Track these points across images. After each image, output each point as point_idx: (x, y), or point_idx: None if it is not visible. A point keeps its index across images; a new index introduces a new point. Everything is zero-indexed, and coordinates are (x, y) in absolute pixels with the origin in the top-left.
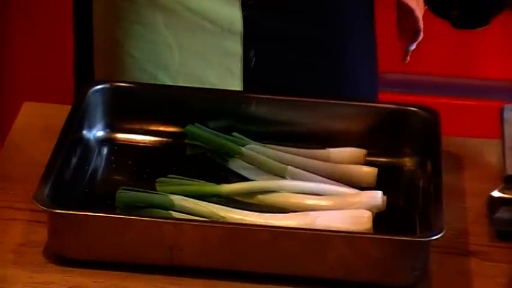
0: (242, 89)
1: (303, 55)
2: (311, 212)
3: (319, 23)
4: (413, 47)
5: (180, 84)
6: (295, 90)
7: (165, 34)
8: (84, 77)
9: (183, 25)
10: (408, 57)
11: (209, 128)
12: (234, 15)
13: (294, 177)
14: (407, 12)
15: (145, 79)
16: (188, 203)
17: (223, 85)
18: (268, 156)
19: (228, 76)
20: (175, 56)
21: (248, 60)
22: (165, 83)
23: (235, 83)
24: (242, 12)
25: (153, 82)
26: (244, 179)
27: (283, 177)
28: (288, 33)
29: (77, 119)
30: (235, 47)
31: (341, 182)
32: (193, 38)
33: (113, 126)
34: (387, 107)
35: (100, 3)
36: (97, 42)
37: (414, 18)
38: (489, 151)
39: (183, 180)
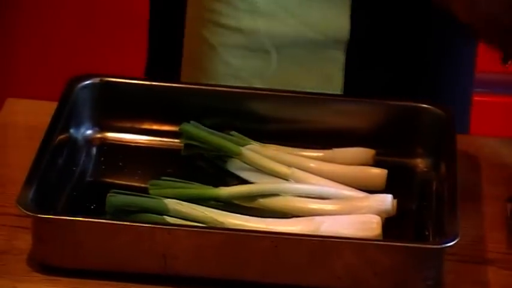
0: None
1: (403, 65)
2: (316, 217)
3: (423, 33)
4: None
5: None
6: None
7: (264, 41)
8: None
9: (284, 32)
10: (510, 62)
11: (206, 127)
12: (342, 23)
13: (297, 180)
14: None
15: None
16: (183, 208)
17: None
18: (270, 157)
19: (327, 85)
20: (273, 64)
21: (349, 69)
22: None
23: (334, 91)
24: (350, 20)
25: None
26: (244, 182)
27: (285, 179)
28: (392, 42)
29: (64, 117)
30: (338, 54)
31: (348, 185)
32: (294, 45)
33: (102, 124)
34: (397, 104)
35: (194, 7)
36: (187, 43)
37: None
38: (508, 151)
39: (178, 183)
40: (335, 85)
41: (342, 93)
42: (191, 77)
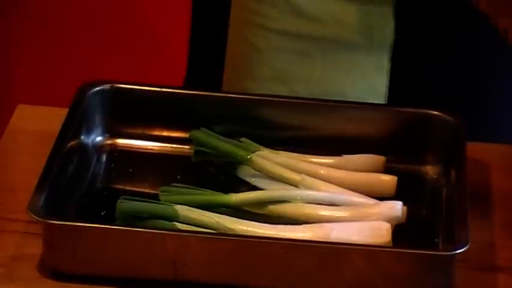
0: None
1: (452, 72)
2: (326, 224)
3: (474, 39)
4: None
5: None
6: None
7: (309, 45)
8: (199, 78)
9: (328, 36)
10: None
11: (216, 133)
12: (385, 26)
13: (307, 186)
14: None
15: (284, 92)
16: (194, 214)
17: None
18: (280, 164)
19: (372, 92)
20: (317, 69)
21: (395, 76)
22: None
23: (378, 99)
24: (395, 22)
25: (291, 95)
26: (254, 188)
27: (295, 186)
28: (440, 48)
29: (75, 123)
30: (383, 61)
31: (358, 192)
32: (339, 50)
33: (113, 131)
34: (407, 111)
35: (239, 9)
36: (231, 46)
37: None
38: None
39: (188, 189)
40: (379, 94)
41: (385, 102)
42: (235, 81)
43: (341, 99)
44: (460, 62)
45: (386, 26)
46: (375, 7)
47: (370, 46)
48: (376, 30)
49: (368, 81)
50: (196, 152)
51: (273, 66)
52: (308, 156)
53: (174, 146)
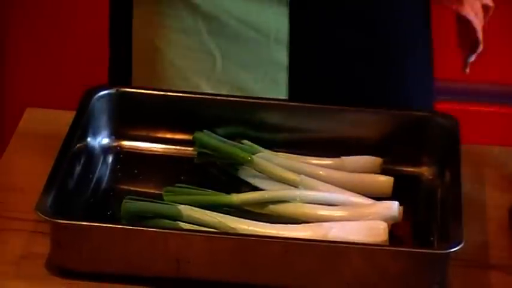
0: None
1: (351, 65)
2: (324, 223)
3: (369, 32)
4: (473, 58)
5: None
6: (343, 101)
7: (208, 42)
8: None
9: (227, 33)
10: (468, 68)
11: (218, 135)
12: (281, 23)
13: (307, 187)
14: (466, 24)
15: (188, 88)
16: (196, 213)
17: (267, 96)
18: (280, 165)
19: (273, 87)
20: (218, 65)
21: (294, 71)
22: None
23: (280, 94)
24: (289, 20)
25: (195, 90)
26: (255, 189)
27: (295, 186)
28: (337, 42)
29: (81, 126)
30: (281, 56)
31: (355, 192)
32: (238, 47)
33: (118, 133)
34: (405, 113)
35: (140, 9)
36: (136, 48)
37: (473, 30)
38: (510, 160)
39: (191, 190)
40: (281, 89)
41: (287, 97)
42: (143, 80)
43: (245, 94)
44: (353, 54)
45: (281, 24)
46: (269, 6)
47: (267, 42)
48: (273, 28)
49: (269, 77)
50: (199, 153)
51: (175, 65)
52: (307, 157)
53: (178, 147)
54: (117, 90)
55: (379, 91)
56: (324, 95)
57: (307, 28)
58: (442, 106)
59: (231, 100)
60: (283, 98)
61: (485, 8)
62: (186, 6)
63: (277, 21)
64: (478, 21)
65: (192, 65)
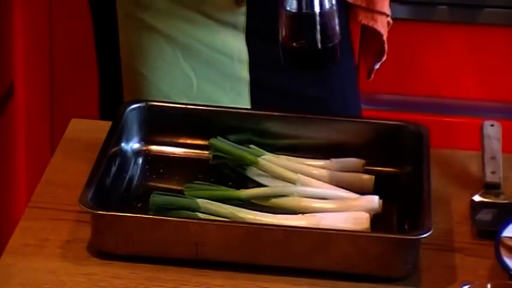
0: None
1: (299, 80)
2: (317, 214)
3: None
4: (377, 66)
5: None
6: (289, 110)
7: (184, 67)
8: (111, 100)
9: (199, 58)
10: (372, 76)
11: (230, 141)
12: (241, 47)
13: (303, 184)
14: (374, 35)
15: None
16: (212, 206)
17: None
18: (281, 166)
19: (238, 99)
20: (194, 85)
21: (253, 84)
22: None
23: (243, 104)
24: (247, 43)
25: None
26: (260, 185)
27: (293, 183)
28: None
29: (116, 134)
30: (243, 73)
31: (343, 188)
32: (208, 68)
33: (147, 139)
34: (383, 123)
35: (125, 41)
36: (125, 74)
37: (381, 42)
38: (471, 162)
39: (208, 186)
40: (245, 100)
41: (249, 106)
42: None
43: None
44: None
45: (241, 47)
46: (231, 34)
47: (232, 62)
48: (235, 51)
49: (235, 90)
50: (214, 156)
51: (159, 88)
52: (303, 159)
53: (196, 151)
54: (146, 103)
55: (320, 98)
56: (278, 104)
57: (261, 49)
58: (415, 117)
59: (240, 112)
60: (247, 107)
61: (388, 23)
62: (166, 38)
63: (238, 45)
64: (384, 32)
65: (173, 87)
